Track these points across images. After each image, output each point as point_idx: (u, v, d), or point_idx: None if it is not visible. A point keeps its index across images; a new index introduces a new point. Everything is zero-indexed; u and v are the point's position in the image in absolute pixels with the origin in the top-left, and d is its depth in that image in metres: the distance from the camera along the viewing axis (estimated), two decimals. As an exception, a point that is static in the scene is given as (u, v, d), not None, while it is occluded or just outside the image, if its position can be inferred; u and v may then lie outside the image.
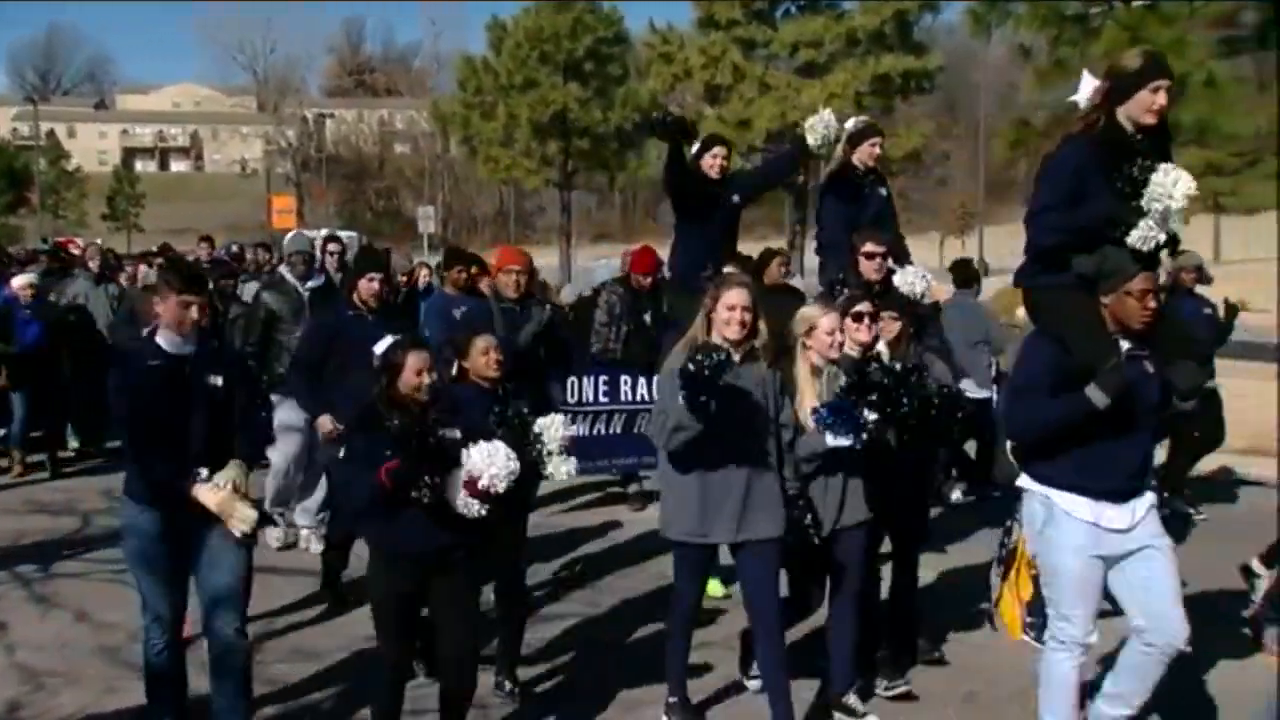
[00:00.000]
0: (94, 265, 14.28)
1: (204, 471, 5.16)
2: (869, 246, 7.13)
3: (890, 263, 7.24)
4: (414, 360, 5.10)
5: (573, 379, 9.64)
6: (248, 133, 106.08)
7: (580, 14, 38.15)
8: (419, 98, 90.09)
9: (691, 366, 4.92)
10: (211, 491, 5.12)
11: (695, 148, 7.95)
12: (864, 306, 6.05)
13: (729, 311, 5.36)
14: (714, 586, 7.50)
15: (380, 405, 5.11)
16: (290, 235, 9.97)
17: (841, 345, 5.80)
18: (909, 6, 30.67)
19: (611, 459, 10.09)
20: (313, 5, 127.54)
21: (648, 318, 10.03)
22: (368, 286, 7.75)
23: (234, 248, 21.48)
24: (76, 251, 16.32)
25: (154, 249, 22.42)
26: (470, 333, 6.09)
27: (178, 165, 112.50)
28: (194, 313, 5.17)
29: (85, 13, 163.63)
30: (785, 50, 31.77)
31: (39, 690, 6.35)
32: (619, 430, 9.97)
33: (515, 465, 4.93)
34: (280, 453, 8.89)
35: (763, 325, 5.46)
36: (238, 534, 5.16)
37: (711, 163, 7.89)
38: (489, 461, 4.85)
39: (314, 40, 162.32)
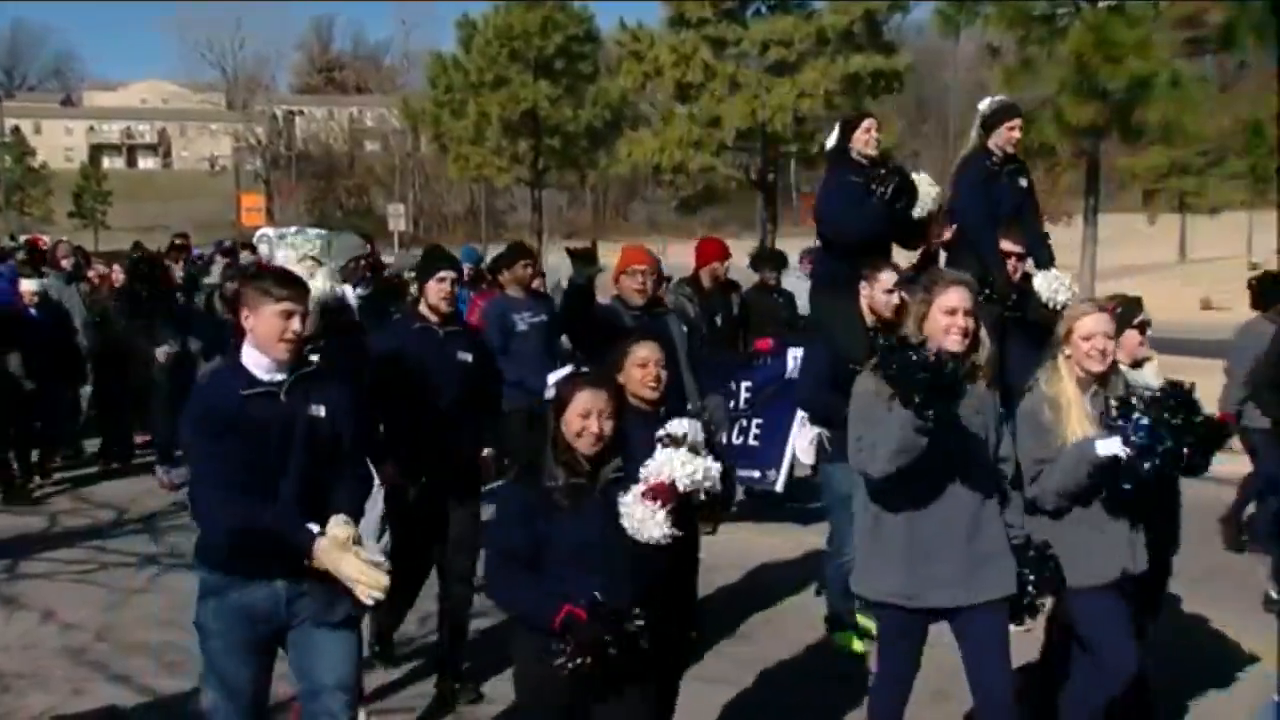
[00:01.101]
0: (67, 264, 13.92)
1: (314, 528, 4.12)
2: (1005, 245, 6.65)
3: (1029, 265, 6.74)
4: (582, 400, 4.03)
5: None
6: (216, 130, 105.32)
7: (550, 12, 37.94)
8: (389, 95, 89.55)
9: (925, 368, 4.00)
10: (339, 551, 4.07)
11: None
12: (1144, 316, 5.22)
13: (948, 317, 4.38)
14: (853, 641, 6.74)
15: (547, 454, 4.07)
16: (342, 238, 9.31)
17: (1107, 355, 4.70)
18: (878, 6, 30.60)
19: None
20: (281, 4, 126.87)
21: (719, 319, 9.31)
22: (438, 289, 6.15)
23: (226, 243, 21.28)
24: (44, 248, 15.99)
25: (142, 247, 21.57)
26: (628, 339, 4.88)
27: (145, 162, 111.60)
28: (295, 324, 4.18)
29: (51, 9, 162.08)
30: (755, 49, 31.62)
31: (5, 692, 6.33)
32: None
33: (714, 465, 4.09)
34: None
35: (985, 336, 4.52)
36: (369, 603, 4.14)
37: (865, 137, 6.90)
38: (678, 462, 4.00)
39: (283, 37, 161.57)
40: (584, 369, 4.50)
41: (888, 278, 6.36)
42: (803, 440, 6.78)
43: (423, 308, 6.23)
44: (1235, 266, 33.71)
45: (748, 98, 30.54)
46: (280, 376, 4.23)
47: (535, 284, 9.44)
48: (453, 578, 6.13)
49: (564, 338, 7.97)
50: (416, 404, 5.96)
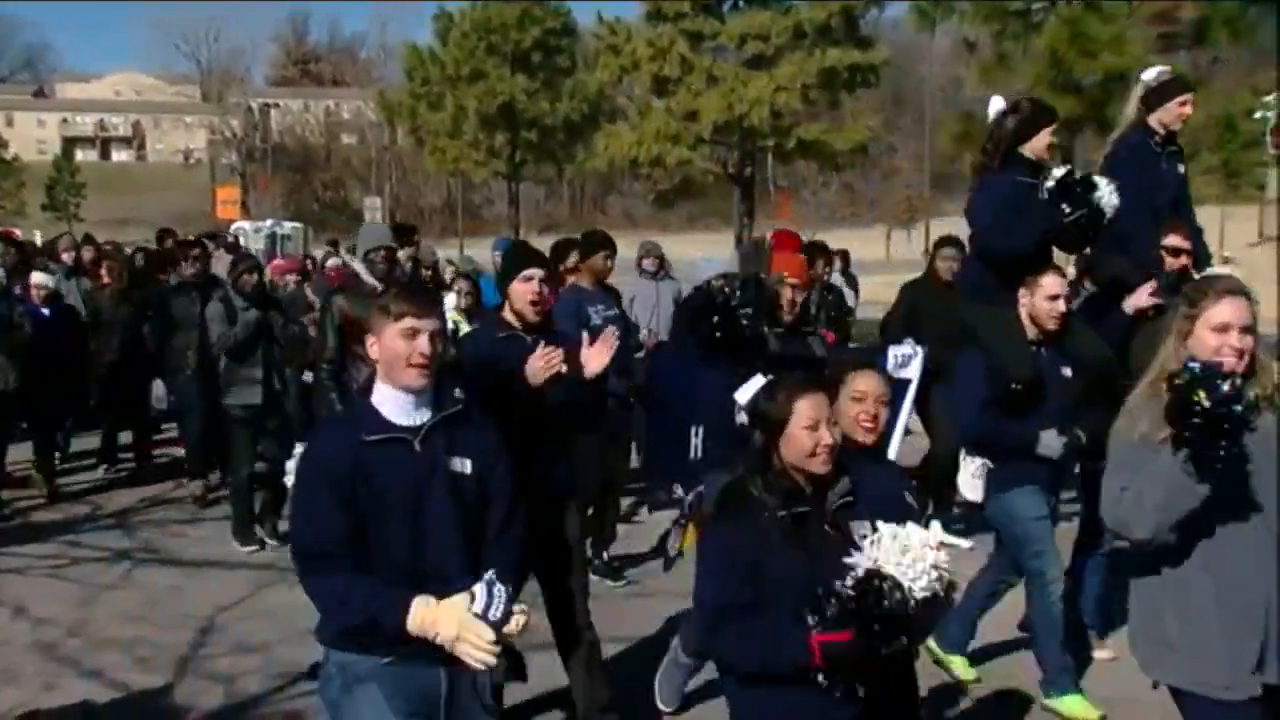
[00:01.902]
0: (68, 258, 13.09)
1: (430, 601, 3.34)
2: (1174, 240, 5.97)
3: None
4: (805, 410, 3.38)
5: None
6: (191, 122, 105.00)
7: (528, 6, 38.09)
8: (365, 88, 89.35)
9: (1204, 398, 3.23)
10: (434, 611, 3.31)
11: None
12: None
13: (1219, 335, 3.57)
14: (961, 666, 6.09)
15: (757, 482, 3.40)
16: (365, 226, 8.82)
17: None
18: (855, 1, 30.64)
19: None
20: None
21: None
22: (525, 291, 5.23)
23: (230, 238, 20.76)
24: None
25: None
26: (842, 365, 4.03)
27: (119, 155, 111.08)
28: (423, 343, 3.45)
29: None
30: (733, 43, 31.63)
31: (-23, 687, 6.28)
32: None
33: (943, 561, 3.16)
34: None
35: (1265, 357, 3.68)
36: (477, 667, 3.31)
37: (1047, 139, 5.85)
38: (909, 560, 3.10)
39: (258, 29, 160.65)
40: (777, 376, 3.59)
41: (1051, 283, 5.60)
42: (965, 473, 5.89)
43: (507, 313, 5.33)
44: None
45: (725, 92, 30.52)
46: (418, 419, 3.50)
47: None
48: (571, 597, 5.39)
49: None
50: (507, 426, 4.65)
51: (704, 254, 10.58)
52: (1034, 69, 22.60)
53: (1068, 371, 5.62)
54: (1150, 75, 6.32)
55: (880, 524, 3.18)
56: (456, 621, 3.27)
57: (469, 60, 38.41)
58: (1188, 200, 6.44)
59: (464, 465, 3.54)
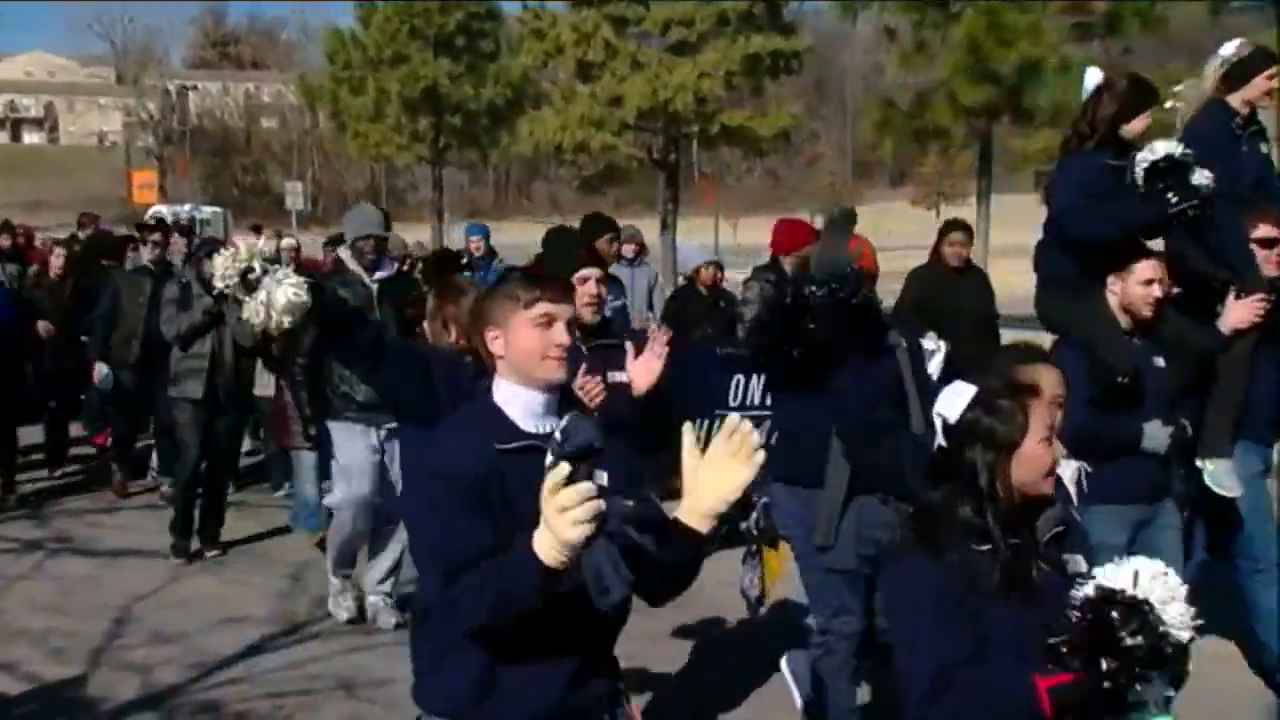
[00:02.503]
0: (4, 241, 12.59)
1: None
2: (1265, 230, 5.37)
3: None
4: (1043, 416, 2.86)
5: (739, 377, 7.99)
6: (106, 104, 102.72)
7: None
8: (286, 71, 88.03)
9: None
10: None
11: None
12: None
13: None
14: None
15: (971, 508, 2.81)
16: (353, 211, 7.49)
17: None
18: (778, -13, 30.78)
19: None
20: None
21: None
22: (579, 293, 4.31)
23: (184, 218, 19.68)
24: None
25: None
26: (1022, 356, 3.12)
27: (30, 137, 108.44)
28: (561, 333, 3.01)
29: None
30: (657, 29, 31.58)
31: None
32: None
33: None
34: (344, 500, 6.98)
35: None
36: (576, 537, 2.56)
37: (1144, 123, 5.31)
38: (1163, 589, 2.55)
39: (175, 10, 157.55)
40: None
41: (1146, 267, 5.04)
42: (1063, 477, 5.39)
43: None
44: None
45: (649, 78, 30.45)
46: (545, 425, 2.95)
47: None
48: None
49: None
50: None
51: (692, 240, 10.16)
52: (952, 57, 22.86)
53: (1160, 361, 5.14)
54: (1229, 50, 5.66)
55: (1129, 558, 2.62)
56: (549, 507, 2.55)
57: (391, 44, 37.86)
58: (1274, 183, 5.72)
59: (601, 477, 2.83)
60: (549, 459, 2.59)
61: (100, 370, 9.71)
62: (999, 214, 23.01)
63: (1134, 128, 5.24)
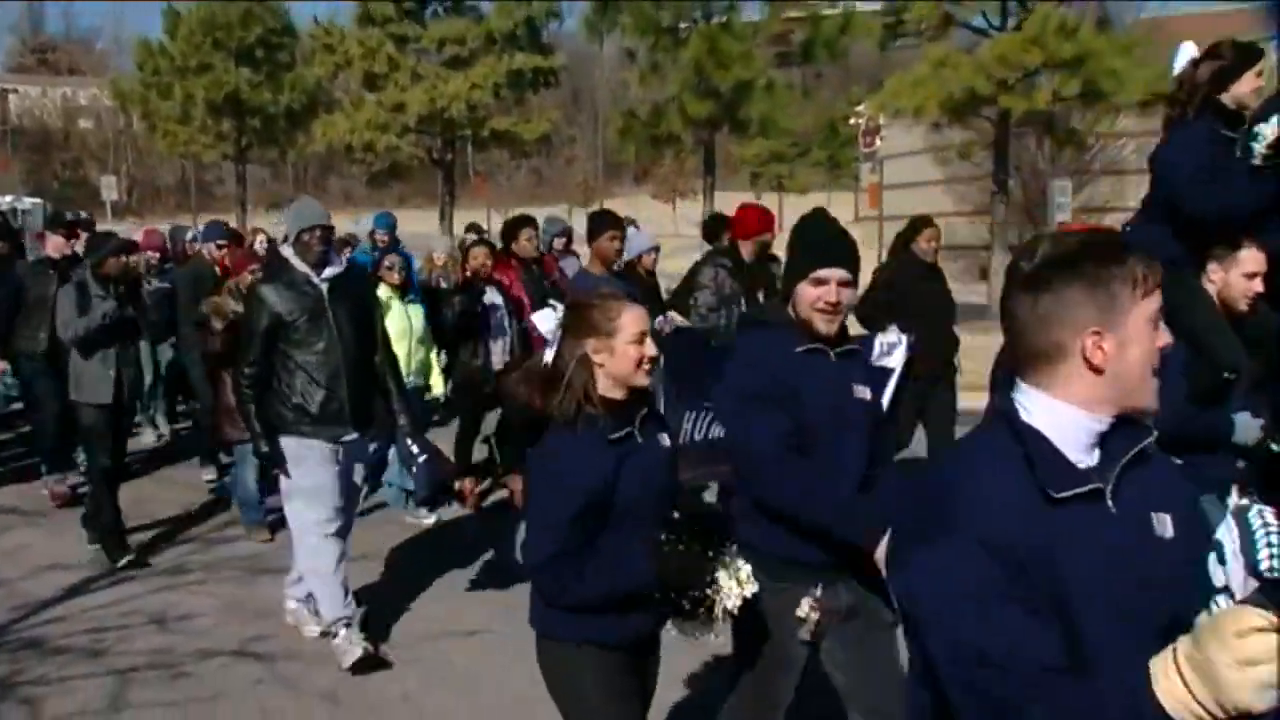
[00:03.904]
0: None
1: None
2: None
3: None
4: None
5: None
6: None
7: (250, 5, 35.67)
8: (101, 77, 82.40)
9: None
10: None
11: None
12: None
13: None
14: None
15: None
16: (297, 203, 5.81)
17: None
18: (537, 12, 30.53)
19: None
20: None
21: (761, 296, 7.00)
22: (817, 295, 3.27)
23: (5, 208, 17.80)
24: None
25: None
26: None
27: None
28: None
29: None
30: (433, 45, 31.11)
31: None
32: None
33: None
34: (306, 524, 5.30)
35: None
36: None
37: (1255, 83, 4.29)
38: None
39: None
40: None
41: (1251, 258, 4.08)
42: None
43: (803, 311, 3.27)
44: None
45: (427, 88, 29.94)
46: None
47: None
48: None
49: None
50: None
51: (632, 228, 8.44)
52: (680, 76, 23.36)
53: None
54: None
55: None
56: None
57: (196, 54, 35.77)
58: None
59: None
60: None
61: None
62: (720, 207, 23.52)
63: (1237, 92, 4.28)
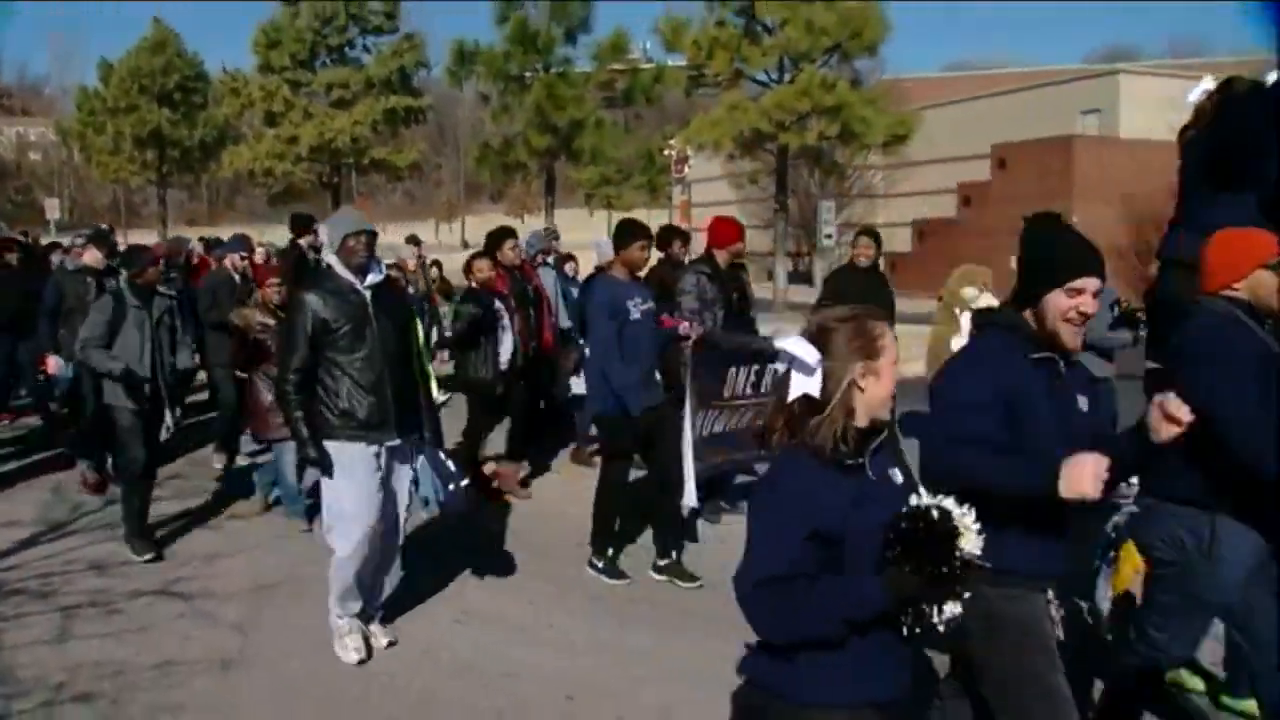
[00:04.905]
0: None
1: None
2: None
3: None
4: None
5: (732, 369, 5.11)
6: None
7: (170, 58, 33.38)
8: (48, 117, 74.34)
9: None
10: None
11: None
12: None
13: None
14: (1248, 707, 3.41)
15: None
16: (338, 212, 4.57)
17: None
18: (408, 62, 28.91)
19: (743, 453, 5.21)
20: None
21: (735, 299, 5.91)
22: (1069, 305, 2.39)
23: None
24: None
25: None
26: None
27: None
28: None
29: None
30: (322, 89, 29.20)
31: None
32: (744, 425, 5.22)
33: None
34: (345, 531, 4.07)
35: None
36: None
37: None
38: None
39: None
40: None
41: None
42: None
43: (1050, 321, 2.43)
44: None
45: (317, 124, 28.10)
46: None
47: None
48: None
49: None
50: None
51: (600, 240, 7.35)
52: (526, 115, 23.27)
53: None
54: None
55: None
56: None
57: (125, 97, 33.19)
58: None
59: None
60: None
61: (56, 363, 6.72)
62: (560, 222, 22.54)
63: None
